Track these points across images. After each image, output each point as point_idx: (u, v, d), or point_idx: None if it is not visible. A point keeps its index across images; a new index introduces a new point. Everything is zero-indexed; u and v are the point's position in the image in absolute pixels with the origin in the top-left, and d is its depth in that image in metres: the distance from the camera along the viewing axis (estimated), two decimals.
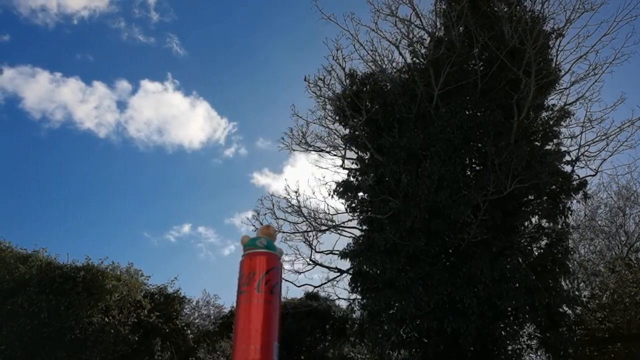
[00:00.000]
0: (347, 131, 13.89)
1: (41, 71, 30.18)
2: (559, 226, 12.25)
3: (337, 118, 14.01)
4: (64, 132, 30.46)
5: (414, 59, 13.58)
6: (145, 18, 31.21)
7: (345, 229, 13.74)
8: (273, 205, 13.76)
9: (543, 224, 12.41)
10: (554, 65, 12.85)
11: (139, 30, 31.39)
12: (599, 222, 16.79)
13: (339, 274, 13.76)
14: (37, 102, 32.11)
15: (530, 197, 12.43)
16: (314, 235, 13.82)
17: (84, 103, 31.08)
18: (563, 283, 12.43)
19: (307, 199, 14.21)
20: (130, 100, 33.84)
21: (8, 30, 28.60)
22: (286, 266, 13.85)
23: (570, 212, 12.66)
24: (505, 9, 13.14)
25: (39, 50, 30.89)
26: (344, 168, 13.97)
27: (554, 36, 12.92)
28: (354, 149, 13.84)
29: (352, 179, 13.66)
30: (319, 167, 14.60)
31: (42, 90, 30.04)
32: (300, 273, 13.94)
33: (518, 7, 12.82)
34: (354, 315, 15.62)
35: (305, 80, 13.99)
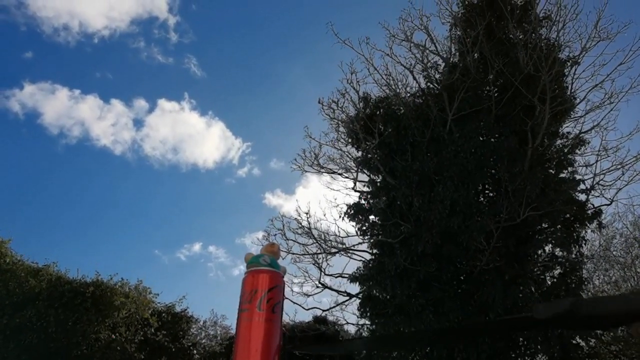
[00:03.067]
0: (360, 154, 13.90)
1: (61, 88, 30.73)
2: (573, 255, 12.03)
3: (349, 140, 14.04)
4: (80, 148, 30.81)
5: (428, 83, 13.63)
6: (164, 39, 31.77)
7: (356, 252, 13.63)
8: (283, 226, 13.73)
9: (557, 253, 12.19)
10: (569, 92, 12.80)
11: (158, 50, 31.91)
12: (614, 253, 16.47)
13: (348, 298, 13.60)
14: (55, 117, 32.69)
15: (544, 225, 12.25)
16: (323, 258, 13.72)
17: (101, 120, 31.51)
18: None
19: (317, 220, 14.20)
20: (147, 118, 34.25)
21: (31, 47, 29.31)
22: (295, 288, 13.75)
23: (584, 242, 12.44)
24: (521, 36, 13.19)
25: (60, 68, 31.54)
26: (355, 190, 13.94)
27: (569, 64, 12.90)
28: (366, 171, 13.82)
29: (363, 201, 13.61)
30: (331, 189, 14.61)
31: (60, 107, 30.55)
32: (309, 296, 13.80)
33: (533, 35, 12.85)
34: None
35: (319, 102, 14.10)
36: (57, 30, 29.54)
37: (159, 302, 16.95)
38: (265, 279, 2.17)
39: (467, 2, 13.58)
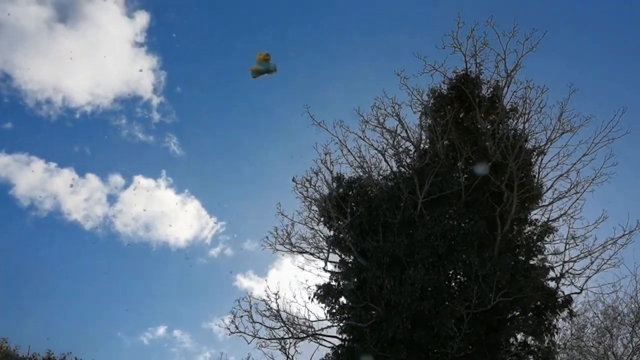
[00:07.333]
0: (332, 233, 13.81)
1: (37, 160, 30.52)
2: (545, 344, 11.82)
3: (322, 219, 13.99)
4: (50, 222, 30.13)
5: (400, 167, 13.89)
6: (146, 118, 32.17)
7: (325, 338, 13.12)
8: (250, 308, 13.19)
9: (529, 342, 11.98)
10: (536, 181, 13.15)
11: (139, 128, 32.25)
12: (587, 343, 16.25)
13: None
14: (28, 189, 32.14)
15: (515, 312, 12.11)
16: (291, 343, 13.15)
17: (74, 194, 31.09)
18: None
19: (287, 302, 13.64)
20: (121, 194, 33.92)
21: (12, 118, 29.44)
22: None
23: (556, 330, 12.29)
24: (489, 126, 13.71)
25: (38, 140, 31.56)
26: (326, 271, 13.68)
27: (535, 153, 13.37)
28: (337, 251, 13.65)
29: (334, 282, 13.34)
30: (303, 269, 14.29)
31: (34, 179, 30.19)
32: None
33: (501, 125, 13.38)
34: None
35: (293, 180, 14.18)
36: (40, 104, 29.75)
37: None
38: None
39: (437, 93, 14.17)
